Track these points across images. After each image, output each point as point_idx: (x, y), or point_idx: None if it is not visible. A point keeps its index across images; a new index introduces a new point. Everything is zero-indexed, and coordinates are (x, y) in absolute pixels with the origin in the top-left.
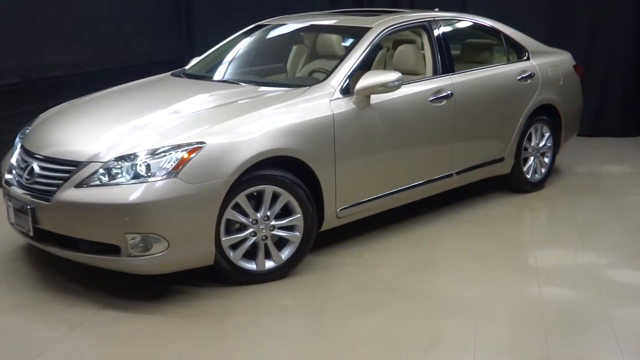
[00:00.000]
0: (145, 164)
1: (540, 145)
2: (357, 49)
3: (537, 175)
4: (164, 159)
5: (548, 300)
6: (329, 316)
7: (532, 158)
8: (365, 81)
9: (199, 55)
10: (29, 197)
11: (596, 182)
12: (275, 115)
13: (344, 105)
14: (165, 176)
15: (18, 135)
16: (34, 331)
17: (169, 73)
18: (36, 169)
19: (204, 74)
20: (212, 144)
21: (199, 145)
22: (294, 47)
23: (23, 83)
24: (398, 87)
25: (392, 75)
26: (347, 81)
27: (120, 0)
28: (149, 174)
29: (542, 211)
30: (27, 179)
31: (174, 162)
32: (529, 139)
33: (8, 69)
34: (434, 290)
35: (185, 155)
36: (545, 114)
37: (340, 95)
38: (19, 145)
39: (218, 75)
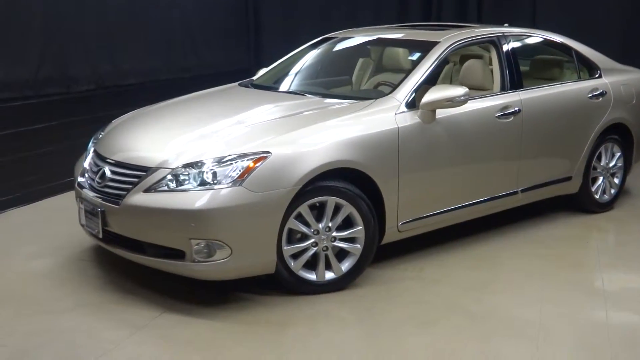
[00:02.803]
0: (212, 171)
1: (610, 165)
2: (424, 63)
3: (605, 196)
4: (230, 167)
5: (615, 325)
6: (387, 331)
7: (601, 178)
8: (432, 95)
9: (266, 66)
10: (99, 200)
11: None
12: (340, 127)
13: (409, 119)
14: (230, 184)
15: (91, 140)
16: (98, 331)
17: (237, 83)
18: (107, 173)
19: (271, 85)
20: (277, 153)
21: (265, 155)
22: (360, 60)
23: (98, 90)
24: (464, 102)
25: (459, 90)
26: (413, 95)
27: (191, 11)
28: (215, 182)
29: (610, 233)
30: (98, 183)
31: (240, 170)
32: (599, 159)
33: (84, 76)
34: (494, 309)
35: (251, 164)
36: (617, 133)
37: (405, 109)
38: (92, 150)
39: (284, 86)
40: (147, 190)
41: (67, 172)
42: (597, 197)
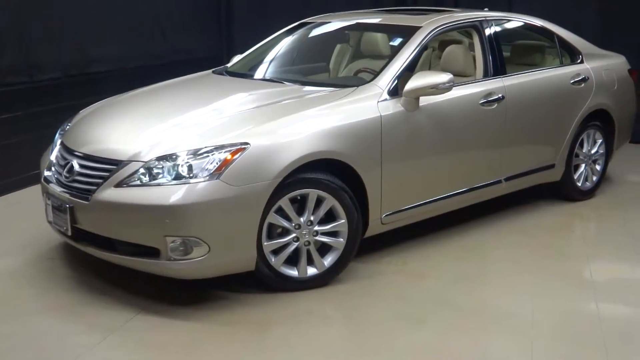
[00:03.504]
0: (187, 164)
1: (592, 152)
2: (406, 48)
3: (587, 184)
4: (207, 159)
5: (607, 318)
6: (375, 328)
7: (583, 165)
8: (415, 82)
9: (239, 52)
10: (67, 196)
11: None
12: (321, 116)
13: (391, 107)
14: (207, 177)
15: (58, 132)
16: (68, 335)
17: (210, 70)
18: (76, 166)
19: (246, 72)
20: (256, 145)
21: (243, 146)
22: (338, 46)
23: (63, 78)
24: (449, 89)
25: (444, 77)
26: (396, 82)
27: None
28: (191, 175)
29: (594, 221)
30: (66, 177)
31: (217, 163)
32: (581, 145)
33: (49, 64)
34: (484, 304)
35: (229, 157)
36: (598, 119)
37: (388, 97)
38: (58, 142)
39: (260, 73)
40: (119, 184)
41: (32, 165)
42: (579, 184)
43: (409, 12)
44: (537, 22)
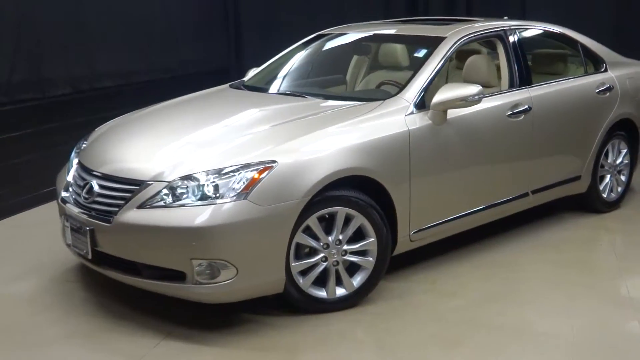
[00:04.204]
0: (213, 184)
1: (617, 162)
2: (432, 60)
3: (613, 195)
4: (233, 178)
5: None
6: (409, 352)
7: (608, 176)
8: (443, 95)
9: (248, 65)
10: (87, 218)
11: None
12: (348, 131)
13: (419, 120)
14: (234, 197)
15: (74, 150)
16: None
17: (227, 85)
18: (95, 187)
19: (264, 86)
20: (284, 163)
21: (270, 165)
22: (355, 58)
23: (74, 94)
24: (479, 101)
25: (472, 89)
26: (422, 95)
27: (169, 10)
28: (217, 195)
29: (622, 234)
30: (85, 198)
31: (244, 182)
32: (606, 156)
33: (59, 80)
34: (520, 324)
35: (256, 175)
36: (623, 129)
37: (414, 110)
38: (75, 161)
39: (280, 87)
40: (141, 206)
41: (45, 182)
42: (604, 195)
43: (429, 22)
44: (560, 30)
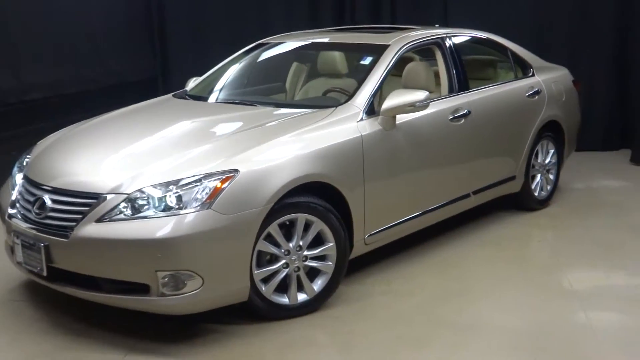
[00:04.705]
0: (176, 194)
1: (546, 162)
2: (379, 67)
3: (543, 193)
4: (196, 188)
5: (600, 327)
6: (377, 353)
7: (539, 175)
8: (393, 101)
9: (176, 75)
10: (41, 234)
11: (599, 198)
12: (306, 139)
13: (369, 126)
14: (198, 207)
15: (15, 166)
16: None
17: (170, 95)
18: (48, 202)
19: (208, 95)
20: (245, 171)
21: (232, 174)
22: (294, 66)
23: (1, 107)
24: (426, 106)
25: (420, 95)
26: (371, 101)
27: (94, 20)
28: (181, 206)
29: (556, 230)
30: (37, 214)
31: (207, 192)
32: (536, 156)
33: None
34: (478, 320)
35: (219, 185)
36: (550, 130)
37: (364, 116)
38: (19, 176)
39: (225, 96)
40: (100, 219)
41: None
42: (536, 194)
43: (366, 31)
44: (490, 37)
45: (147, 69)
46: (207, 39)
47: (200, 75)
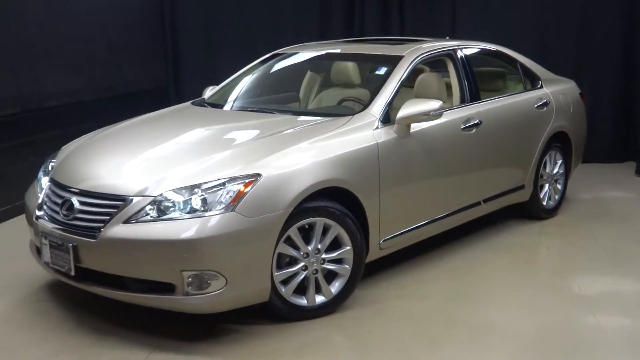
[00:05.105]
0: (202, 197)
1: (554, 172)
2: (393, 77)
3: (551, 202)
4: (220, 192)
5: (609, 330)
6: (393, 353)
7: (547, 185)
8: (408, 110)
9: (188, 84)
10: (69, 234)
11: (605, 208)
12: (324, 145)
13: (385, 134)
14: (223, 210)
15: (40, 170)
16: None
17: (189, 102)
18: (76, 204)
19: (226, 103)
20: (267, 175)
21: (255, 178)
22: (308, 76)
23: (23, 113)
24: (440, 115)
25: (434, 104)
26: (387, 110)
27: (109, 31)
28: (205, 208)
29: (565, 238)
30: (65, 215)
31: (232, 195)
32: (545, 166)
33: (9, 99)
34: (491, 322)
35: (242, 188)
36: (558, 141)
37: (380, 125)
38: (45, 180)
39: (243, 104)
40: (127, 221)
41: None
42: (544, 203)
43: (380, 42)
44: (500, 49)
45: (159, 78)
46: (217, 50)
47: (211, 84)
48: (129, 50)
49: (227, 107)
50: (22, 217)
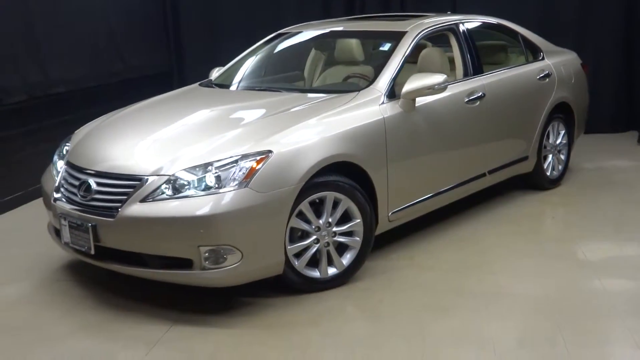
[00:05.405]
0: (215, 174)
1: (557, 142)
2: (398, 52)
3: (555, 173)
4: (233, 169)
5: (614, 292)
6: (407, 320)
7: (550, 156)
8: (412, 84)
9: (191, 68)
10: (87, 215)
11: (608, 177)
12: (332, 121)
13: (391, 109)
14: (236, 186)
15: (55, 154)
16: (112, 352)
17: (197, 84)
18: (93, 185)
19: (233, 83)
20: (278, 152)
21: (267, 154)
22: (312, 54)
23: (29, 100)
24: (444, 89)
25: (438, 78)
26: (392, 85)
27: (110, 17)
28: (219, 185)
29: (569, 207)
30: (82, 196)
31: (245, 171)
32: (548, 137)
33: (15, 87)
34: (498, 289)
35: (255, 165)
36: (560, 112)
37: (385, 100)
38: (60, 163)
39: (250, 83)
40: (144, 199)
41: (9, 189)
42: (548, 174)
43: (381, 19)
44: (504, 22)
45: (162, 63)
46: (219, 34)
47: (215, 67)
48: (133, 36)
49: (234, 87)
50: (35, 202)
